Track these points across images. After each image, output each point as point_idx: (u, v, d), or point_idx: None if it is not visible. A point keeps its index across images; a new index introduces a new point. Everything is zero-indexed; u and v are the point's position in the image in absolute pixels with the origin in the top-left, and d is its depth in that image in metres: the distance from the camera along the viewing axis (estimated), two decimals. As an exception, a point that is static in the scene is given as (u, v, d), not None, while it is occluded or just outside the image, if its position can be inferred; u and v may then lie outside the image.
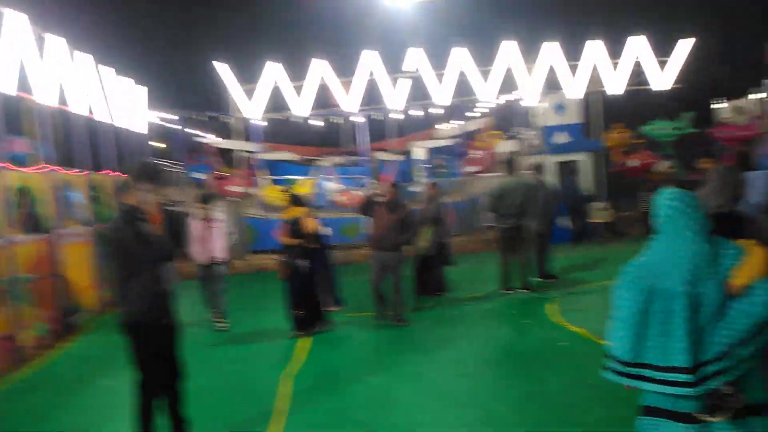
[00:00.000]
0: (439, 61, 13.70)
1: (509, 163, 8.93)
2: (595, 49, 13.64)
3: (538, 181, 9.01)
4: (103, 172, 10.07)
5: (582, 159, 13.50)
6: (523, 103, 14.46)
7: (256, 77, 13.86)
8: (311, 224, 6.89)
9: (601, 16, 19.32)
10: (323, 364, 6.02)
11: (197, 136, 19.43)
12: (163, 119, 17.05)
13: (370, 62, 13.53)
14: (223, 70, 13.99)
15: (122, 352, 3.92)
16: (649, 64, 13.87)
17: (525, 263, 8.35)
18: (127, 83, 11.27)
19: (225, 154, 17.01)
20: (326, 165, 16.08)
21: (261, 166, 15.36)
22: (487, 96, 14.09)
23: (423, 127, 18.84)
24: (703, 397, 2.18)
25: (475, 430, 4.24)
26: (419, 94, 14.23)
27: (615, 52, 13.86)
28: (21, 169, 7.66)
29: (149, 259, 3.77)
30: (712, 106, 17.03)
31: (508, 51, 13.50)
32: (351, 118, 16.26)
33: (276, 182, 14.30)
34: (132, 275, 3.72)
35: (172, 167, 16.78)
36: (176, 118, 17.62)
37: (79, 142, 9.45)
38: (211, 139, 18.06)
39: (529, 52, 13.60)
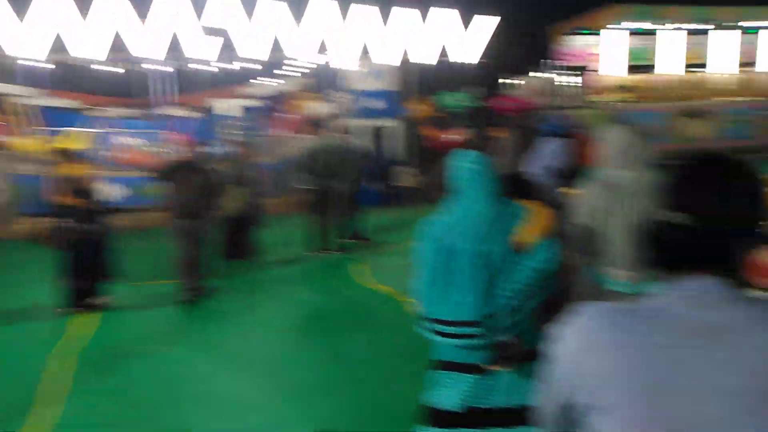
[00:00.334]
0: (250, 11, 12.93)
1: (322, 125, 8.80)
2: (406, 18, 13.96)
3: (350, 144, 9.02)
4: None
5: (394, 125, 13.88)
6: (338, 66, 14.37)
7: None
8: (89, 183, 6.06)
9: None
10: (110, 339, 5.41)
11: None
12: None
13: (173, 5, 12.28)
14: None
15: None
16: (456, 37, 14.61)
17: (335, 225, 8.35)
18: None
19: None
20: (112, 116, 14.17)
21: (33, 113, 13.19)
22: (302, 55, 13.73)
23: (239, 82, 17.84)
24: (490, 348, 2.28)
25: (271, 395, 4.11)
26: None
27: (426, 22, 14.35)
28: None
29: None
30: (505, 81, 18.59)
31: (323, 10, 13.23)
32: (152, 67, 14.78)
33: (52, 134, 12.36)
34: None
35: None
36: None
37: None
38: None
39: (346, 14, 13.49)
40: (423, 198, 13.09)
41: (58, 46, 12.17)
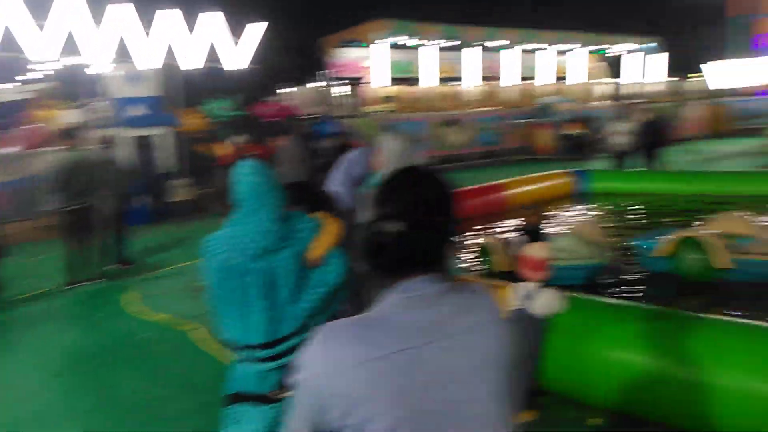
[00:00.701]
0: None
1: (74, 136, 7.68)
2: (169, 20, 13.03)
3: (110, 157, 8.04)
4: None
5: (160, 133, 12.83)
6: (91, 69, 12.84)
7: None
8: None
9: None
10: None
11: None
12: None
13: None
14: None
15: None
16: (225, 42, 14.08)
17: (96, 249, 7.34)
18: None
19: None
20: None
21: None
22: (43, 55, 11.95)
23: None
24: (280, 372, 2.12)
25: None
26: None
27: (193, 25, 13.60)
28: None
29: None
30: (282, 90, 18.57)
31: (68, 6, 11.67)
32: None
33: None
34: None
35: None
36: None
37: None
38: None
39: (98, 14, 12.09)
40: (200, 212, 12.33)
41: None
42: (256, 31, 14.75)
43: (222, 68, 14.61)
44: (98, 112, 13.07)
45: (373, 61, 20.61)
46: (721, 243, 5.41)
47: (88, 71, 13.00)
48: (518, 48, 22.34)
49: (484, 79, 23.02)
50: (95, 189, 7.14)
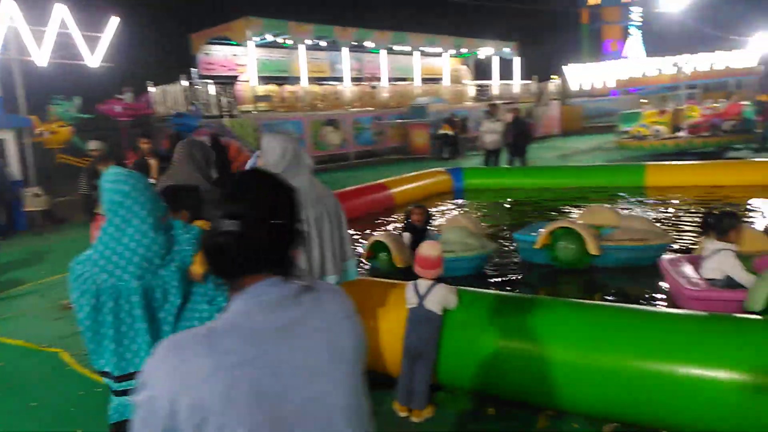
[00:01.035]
0: None
1: None
2: (8, 10, 11.69)
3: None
4: None
5: (5, 137, 11.46)
6: None
7: None
8: None
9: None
10: None
11: None
12: None
13: None
14: None
15: None
16: (77, 37, 12.93)
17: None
18: None
19: None
20: None
21: None
22: None
23: None
24: None
25: None
26: None
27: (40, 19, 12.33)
28: None
29: None
30: (150, 87, 17.41)
31: None
32: None
33: None
34: None
35: None
36: None
37: None
38: None
39: None
40: (55, 221, 11.15)
41: None
42: (110, 26, 13.75)
43: (71, 65, 13.41)
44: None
45: (247, 60, 20.00)
46: (592, 232, 5.79)
47: None
48: (384, 50, 22.79)
49: (360, 80, 23.18)
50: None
